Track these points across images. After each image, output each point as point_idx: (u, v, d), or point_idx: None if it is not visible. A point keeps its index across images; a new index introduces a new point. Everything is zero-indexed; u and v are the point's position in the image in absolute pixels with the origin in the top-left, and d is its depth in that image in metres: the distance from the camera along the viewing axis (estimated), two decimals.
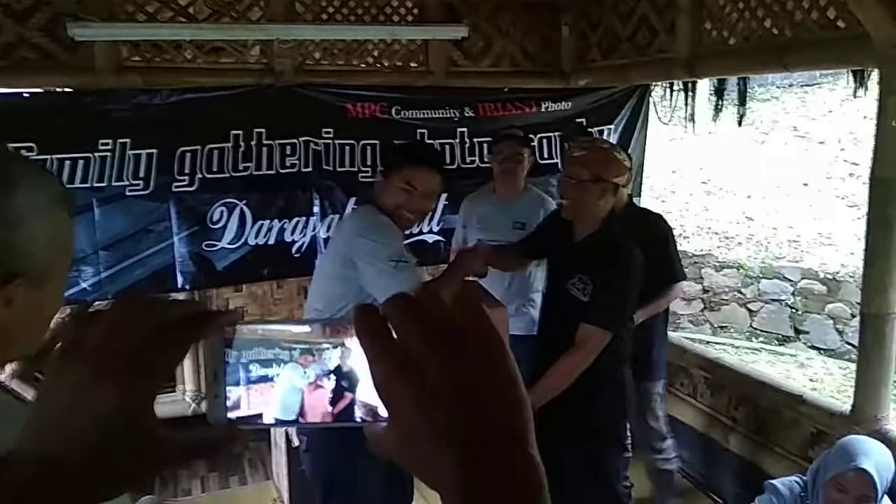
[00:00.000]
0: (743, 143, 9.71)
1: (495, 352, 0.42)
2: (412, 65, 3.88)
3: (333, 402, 0.46)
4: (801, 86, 11.25)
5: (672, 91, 4.32)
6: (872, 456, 1.99)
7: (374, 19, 3.73)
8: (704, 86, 4.46)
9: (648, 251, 2.41)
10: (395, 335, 0.42)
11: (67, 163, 3.16)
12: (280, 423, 0.48)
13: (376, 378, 0.41)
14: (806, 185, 9.00)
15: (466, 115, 3.83)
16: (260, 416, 0.47)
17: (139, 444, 0.42)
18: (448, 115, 3.79)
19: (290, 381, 0.46)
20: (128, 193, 3.27)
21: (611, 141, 4.10)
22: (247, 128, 3.45)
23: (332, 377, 0.46)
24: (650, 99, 4.23)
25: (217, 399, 0.46)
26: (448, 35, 3.81)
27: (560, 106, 4.01)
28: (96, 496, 0.42)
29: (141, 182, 3.29)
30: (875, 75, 2.62)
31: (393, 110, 3.68)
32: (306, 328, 0.48)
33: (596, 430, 2.40)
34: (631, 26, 3.65)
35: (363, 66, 3.81)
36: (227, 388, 0.46)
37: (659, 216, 3.21)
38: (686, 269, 3.40)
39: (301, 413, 0.47)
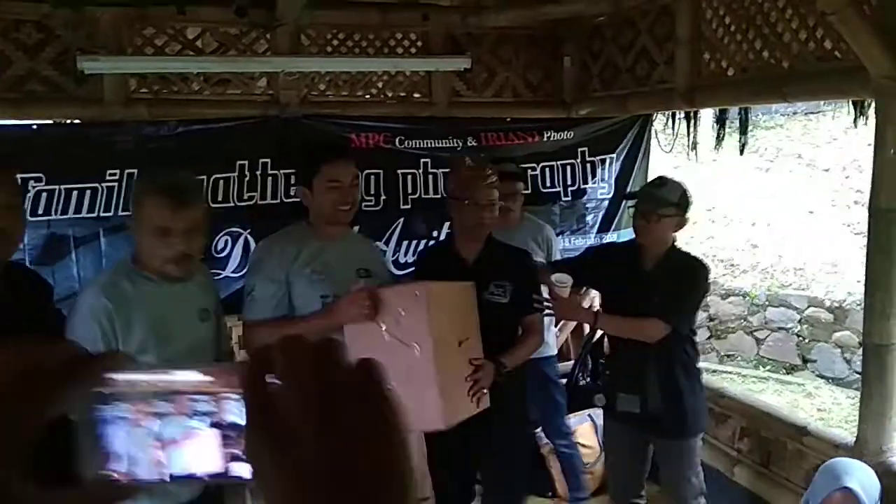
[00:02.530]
0: (747, 171, 9.73)
1: (386, 420, 0.37)
2: (416, 96, 3.93)
3: (226, 457, 0.43)
4: (805, 114, 11.29)
5: (674, 120, 4.35)
6: (855, 474, 1.99)
7: (378, 51, 3.79)
8: (707, 115, 4.49)
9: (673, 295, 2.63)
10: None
11: (75, 193, 3.20)
12: (173, 478, 0.45)
13: (247, 443, 0.37)
14: (811, 212, 8.99)
15: (469, 144, 3.87)
16: (156, 470, 0.44)
17: None
18: (451, 145, 3.83)
19: (186, 433, 0.43)
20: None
21: (613, 170, 4.15)
22: (252, 158, 3.49)
23: (231, 429, 0.43)
24: (651, 128, 4.26)
25: (94, 453, 0.42)
26: (451, 66, 3.87)
27: (562, 135, 4.04)
28: None
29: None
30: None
31: (397, 140, 3.73)
32: (209, 378, 0.45)
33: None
34: (631, 58, 3.70)
35: (367, 97, 3.86)
36: (110, 440, 0.43)
37: (700, 264, 2.88)
38: None
39: (194, 467, 0.44)
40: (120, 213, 3.28)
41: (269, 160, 3.52)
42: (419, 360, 2.04)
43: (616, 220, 4.16)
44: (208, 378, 0.45)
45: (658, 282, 2.63)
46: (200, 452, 0.45)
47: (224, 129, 3.46)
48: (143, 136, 3.33)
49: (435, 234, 3.73)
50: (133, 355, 1.81)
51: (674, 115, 4.17)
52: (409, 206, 3.75)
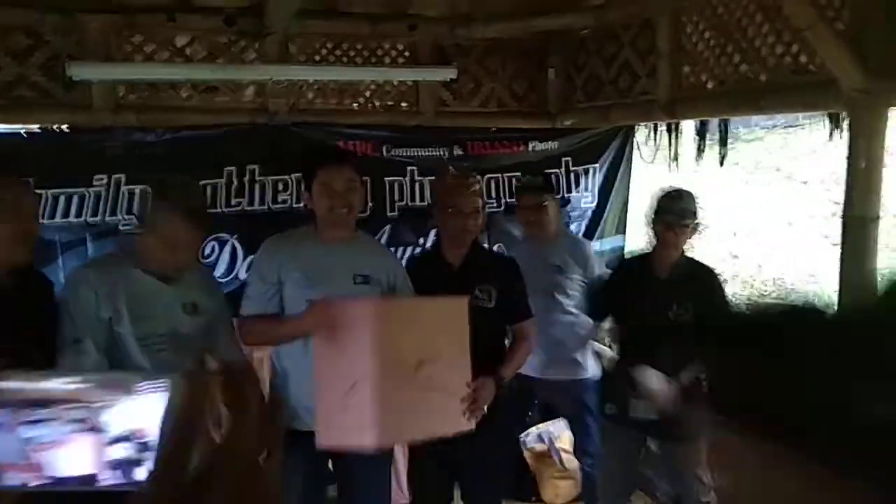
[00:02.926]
0: (728, 183, 9.87)
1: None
2: (403, 105, 3.99)
3: (104, 464, 0.46)
4: (785, 127, 11.49)
5: (656, 132, 4.42)
6: None
7: (367, 61, 3.85)
8: (689, 126, 4.58)
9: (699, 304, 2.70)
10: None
11: (62, 198, 3.22)
12: (50, 483, 0.47)
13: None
14: (790, 223, 9.14)
15: (455, 153, 3.92)
16: (31, 474, 0.46)
17: None
18: (437, 153, 3.88)
19: (60, 439, 0.46)
20: (121, 228, 3.33)
21: (596, 180, 4.22)
22: (240, 164, 3.52)
23: (106, 437, 0.46)
24: (634, 139, 4.34)
25: None
26: (438, 77, 3.93)
27: (547, 145, 4.11)
28: None
29: (134, 217, 3.34)
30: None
31: (384, 148, 3.77)
32: (83, 385, 0.48)
33: None
34: (614, 70, 3.78)
35: (355, 105, 3.91)
36: None
37: (710, 269, 3.00)
38: None
39: (67, 471, 0.46)
40: (107, 219, 3.30)
41: (256, 167, 3.55)
42: (360, 377, 2.03)
43: (599, 228, 4.23)
44: (85, 386, 0.47)
45: (678, 289, 2.75)
46: (74, 457, 0.47)
47: (212, 136, 3.49)
48: (132, 143, 3.35)
49: (422, 241, 3.77)
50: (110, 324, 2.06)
51: (656, 127, 4.24)
52: (396, 214, 3.79)
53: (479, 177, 2.76)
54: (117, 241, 3.18)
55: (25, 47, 3.22)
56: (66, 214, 3.23)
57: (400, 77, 3.94)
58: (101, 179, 3.30)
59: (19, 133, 3.26)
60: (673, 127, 4.11)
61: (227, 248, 3.51)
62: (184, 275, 2.20)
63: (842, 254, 2.52)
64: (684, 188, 2.88)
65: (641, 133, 4.56)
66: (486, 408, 2.33)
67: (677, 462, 2.87)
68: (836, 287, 2.56)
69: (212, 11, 3.42)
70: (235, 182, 3.52)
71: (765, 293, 8.02)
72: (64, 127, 3.38)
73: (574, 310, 3.28)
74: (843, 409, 0.56)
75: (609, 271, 3.32)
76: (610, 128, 4.16)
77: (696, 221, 2.80)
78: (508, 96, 4.19)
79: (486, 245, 2.75)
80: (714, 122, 4.23)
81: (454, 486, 2.80)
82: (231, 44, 3.57)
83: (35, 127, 3.39)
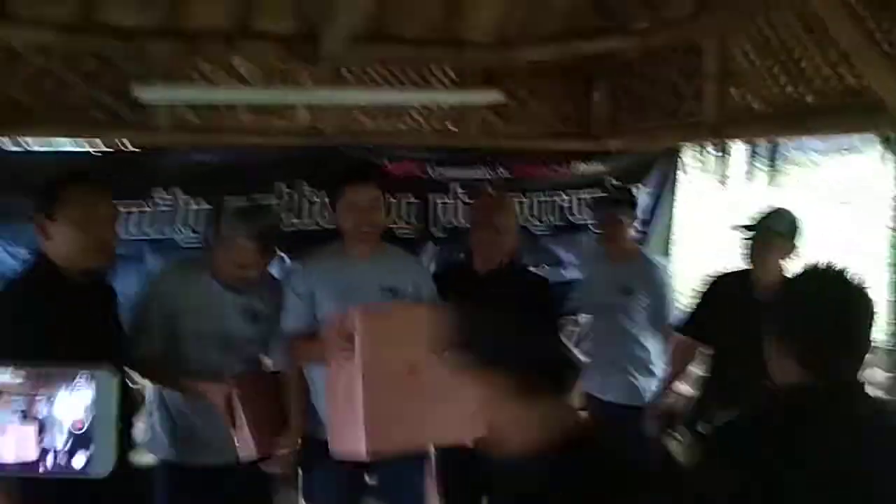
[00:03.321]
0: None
1: None
2: (449, 126, 4.07)
3: (44, 452, 0.51)
4: (840, 151, 11.23)
5: (705, 153, 4.40)
6: None
7: (415, 84, 3.95)
8: (739, 148, 4.53)
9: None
10: None
11: (123, 212, 3.38)
12: None
13: None
14: (846, 248, 8.90)
15: (500, 174, 3.99)
16: None
17: None
18: (482, 174, 3.95)
19: (4, 428, 0.50)
20: (180, 243, 3.48)
21: (641, 201, 4.21)
22: (291, 183, 3.66)
23: (46, 426, 0.51)
24: (680, 161, 4.34)
25: None
26: (484, 99, 4.00)
27: (591, 166, 4.14)
28: None
29: (192, 232, 3.50)
30: None
31: (429, 169, 3.86)
32: (18, 379, 0.54)
33: None
34: (660, 92, 3.79)
35: (403, 127, 4.01)
36: None
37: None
38: None
39: (7, 456, 0.52)
40: (165, 233, 3.46)
41: (307, 186, 3.68)
42: (353, 388, 2.10)
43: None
44: (27, 377, 0.53)
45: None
46: (15, 445, 0.53)
47: (266, 156, 3.64)
48: (190, 161, 3.52)
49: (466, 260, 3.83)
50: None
51: (704, 148, 4.23)
52: (441, 233, 3.87)
53: (515, 196, 2.80)
54: (182, 255, 3.35)
55: (96, 71, 3.41)
56: (126, 230, 3.39)
57: (447, 100, 4.03)
58: (161, 195, 3.47)
59: (88, 151, 3.44)
60: (721, 148, 4.10)
61: (281, 266, 3.62)
62: (251, 285, 2.41)
63: (892, 272, 2.48)
64: (783, 207, 2.85)
65: (689, 154, 4.56)
66: None
67: None
68: (887, 307, 2.52)
69: (269, 37, 3.57)
70: (288, 200, 3.65)
71: None
72: (128, 145, 3.56)
73: (637, 333, 3.24)
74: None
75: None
76: (656, 149, 4.17)
77: (791, 241, 2.74)
78: (554, 118, 4.24)
79: (521, 263, 2.78)
80: (764, 144, 4.20)
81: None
82: (286, 68, 3.72)
83: (102, 145, 3.59)
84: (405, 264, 2.70)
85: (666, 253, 4.29)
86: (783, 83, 2.98)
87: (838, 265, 1.38)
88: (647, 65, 3.89)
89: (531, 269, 3.02)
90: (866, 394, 1.43)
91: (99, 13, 3.30)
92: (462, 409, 2.17)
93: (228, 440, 2.35)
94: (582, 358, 3.36)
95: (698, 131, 3.51)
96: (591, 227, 4.13)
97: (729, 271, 3.14)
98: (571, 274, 4.11)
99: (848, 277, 1.40)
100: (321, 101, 3.74)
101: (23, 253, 3.09)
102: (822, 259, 1.41)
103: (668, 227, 4.32)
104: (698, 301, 3.10)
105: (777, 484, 1.28)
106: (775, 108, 3.03)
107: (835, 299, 1.38)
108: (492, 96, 3.98)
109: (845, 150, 11.07)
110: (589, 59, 4.14)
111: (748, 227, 2.83)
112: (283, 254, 3.59)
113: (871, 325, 1.39)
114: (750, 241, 2.80)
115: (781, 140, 3.85)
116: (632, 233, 3.34)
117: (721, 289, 3.02)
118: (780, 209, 2.82)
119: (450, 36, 3.86)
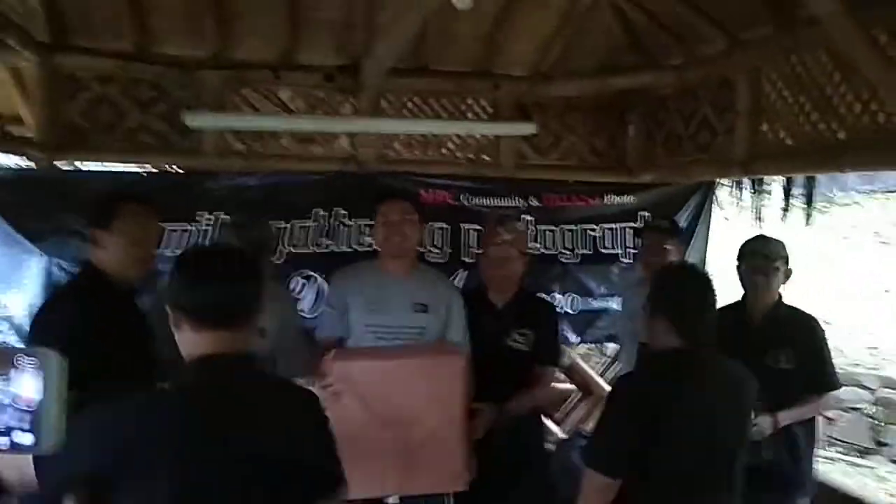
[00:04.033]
0: (820, 246, 9.54)
1: None
2: (484, 157, 4.17)
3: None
4: (884, 192, 11.04)
5: (739, 188, 4.39)
6: None
7: (452, 116, 4.07)
8: (776, 185, 4.50)
9: (802, 352, 2.67)
10: None
11: (167, 231, 3.51)
12: None
13: None
14: (887, 291, 8.71)
15: (532, 204, 4.05)
16: None
17: None
18: (515, 204, 4.02)
19: None
20: None
21: None
22: (330, 208, 3.78)
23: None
24: (714, 195, 4.34)
25: None
26: (519, 132, 4.10)
27: (623, 199, 4.18)
28: None
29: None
30: None
31: (463, 198, 3.95)
32: None
33: None
34: (693, 127, 3.83)
35: (439, 157, 4.12)
36: None
37: (811, 316, 2.85)
38: None
39: None
40: None
41: (345, 212, 3.79)
42: (347, 431, 2.09)
43: None
44: None
45: (771, 337, 2.68)
46: None
47: (306, 182, 3.77)
48: (235, 185, 3.67)
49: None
50: None
51: (739, 184, 4.23)
52: (472, 260, 3.94)
53: (546, 227, 2.81)
54: None
55: (150, 98, 3.61)
56: (168, 246, 3.52)
57: (482, 131, 4.13)
58: (204, 217, 3.61)
59: (139, 172, 3.62)
60: (756, 184, 4.10)
61: (314, 285, 3.73)
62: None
63: None
64: (766, 234, 2.85)
65: (723, 190, 4.55)
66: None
67: None
68: None
69: (313, 69, 3.74)
70: (325, 224, 3.77)
71: (857, 362, 7.62)
72: (177, 168, 3.74)
73: None
74: None
75: None
76: (690, 183, 4.20)
77: (787, 267, 2.74)
78: (588, 151, 4.31)
79: (530, 290, 2.84)
80: (800, 181, 4.18)
81: None
82: (328, 98, 3.87)
83: (152, 168, 3.77)
84: (438, 284, 2.74)
85: None
86: (815, 119, 3.00)
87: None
88: (680, 100, 3.95)
89: (540, 295, 3.08)
90: (718, 354, 2.02)
91: (154, 45, 3.51)
92: (445, 460, 2.17)
93: None
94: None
95: (731, 166, 3.54)
96: (620, 257, 4.17)
97: (725, 305, 3.19)
98: (600, 304, 4.14)
99: (702, 272, 2.13)
100: (361, 130, 3.88)
101: (67, 265, 3.27)
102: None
103: (702, 262, 4.31)
104: None
105: (663, 416, 1.86)
106: (807, 144, 3.05)
107: (694, 285, 2.02)
108: (527, 128, 4.07)
109: (891, 191, 10.88)
110: (623, 94, 4.22)
111: (738, 258, 2.85)
112: (316, 274, 3.72)
113: (715, 306, 2.02)
114: (739, 268, 2.79)
115: (818, 177, 3.82)
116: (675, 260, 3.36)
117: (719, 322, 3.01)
118: (762, 235, 2.83)
119: (487, 69, 3.98)
